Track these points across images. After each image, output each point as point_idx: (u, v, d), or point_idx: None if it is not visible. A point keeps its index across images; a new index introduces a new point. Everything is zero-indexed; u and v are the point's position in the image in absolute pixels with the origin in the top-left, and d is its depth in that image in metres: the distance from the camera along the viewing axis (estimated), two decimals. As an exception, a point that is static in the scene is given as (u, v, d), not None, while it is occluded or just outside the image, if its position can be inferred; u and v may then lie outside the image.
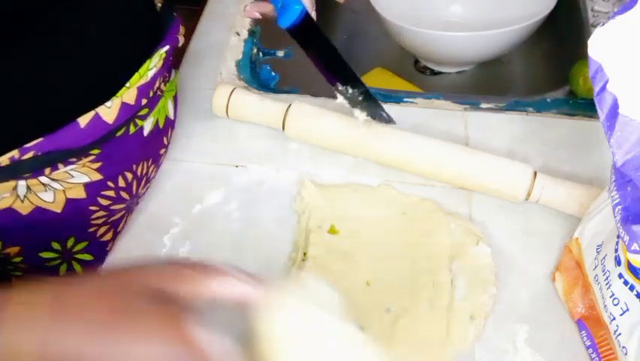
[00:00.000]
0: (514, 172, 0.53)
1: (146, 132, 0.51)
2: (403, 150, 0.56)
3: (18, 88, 0.39)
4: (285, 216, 0.55)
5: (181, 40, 0.53)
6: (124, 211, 0.53)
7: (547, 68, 0.81)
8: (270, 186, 0.57)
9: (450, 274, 0.49)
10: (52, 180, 0.45)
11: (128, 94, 0.46)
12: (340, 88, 0.56)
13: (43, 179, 0.44)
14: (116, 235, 0.54)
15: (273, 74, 0.71)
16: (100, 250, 0.52)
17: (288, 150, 0.60)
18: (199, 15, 0.75)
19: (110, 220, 0.52)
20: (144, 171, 0.54)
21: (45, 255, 0.49)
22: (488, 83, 0.81)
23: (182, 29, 0.53)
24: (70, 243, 0.50)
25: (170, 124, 0.57)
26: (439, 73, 0.82)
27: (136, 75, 0.47)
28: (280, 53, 0.74)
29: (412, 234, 0.52)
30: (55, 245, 0.49)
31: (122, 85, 0.46)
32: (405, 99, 0.65)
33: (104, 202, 0.50)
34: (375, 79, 0.80)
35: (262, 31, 0.75)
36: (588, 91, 0.63)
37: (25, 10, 0.37)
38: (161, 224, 0.54)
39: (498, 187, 0.54)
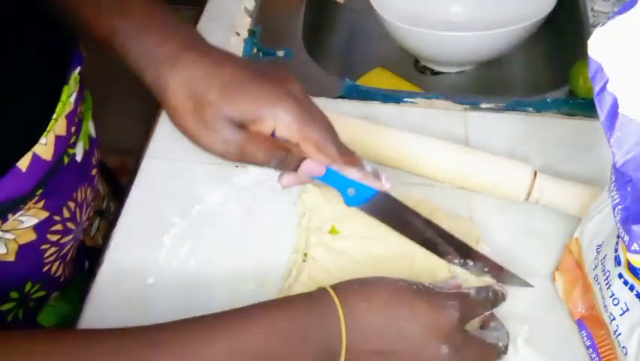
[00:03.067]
0: (514, 172, 0.53)
1: (78, 158, 0.50)
2: (402, 149, 0.56)
3: None
4: (285, 216, 0.55)
5: (84, 55, 0.50)
6: (72, 242, 0.52)
7: (547, 68, 0.81)
8: (270, 186, 0.57)
9: (449, 274, 0.49)
10: (5, 231, 0.43)
11: (59, 125, 0.44)
12: (457, 261, 0.49)
13: None
14: (65, 265, 0.52)
15: (273, 74, 0.71)
16: (54, 284, 0.51)
17: (288, 150, 0.60)
18: (199, 16, 0.75)
19: (60, 255, 0.50)
20: (84, 197, 0.52)
21: (5, 307, 0.47)
22: (488, 83, 0.81)
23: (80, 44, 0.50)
24: (27, 287, 0.48)
25: (94, 144, 0.55)
26: (439, 73, 0.82)
27: (60, 104, 0.45)
28: (280, 53, 0.74)
29: (412, 234, 0.52)
30: (14, 294, 0.47)
31: (49, 119, 0.44)
32: (405, 99, 0.65)
33: (54, 238, 0.49)
34: (375, 79, 0.80)
35: (262, 31, 0.74)
36: (588, 91, 0.63)
37: None
38: (160, 224, 0.54)
39: (498, 187, 0.54)
